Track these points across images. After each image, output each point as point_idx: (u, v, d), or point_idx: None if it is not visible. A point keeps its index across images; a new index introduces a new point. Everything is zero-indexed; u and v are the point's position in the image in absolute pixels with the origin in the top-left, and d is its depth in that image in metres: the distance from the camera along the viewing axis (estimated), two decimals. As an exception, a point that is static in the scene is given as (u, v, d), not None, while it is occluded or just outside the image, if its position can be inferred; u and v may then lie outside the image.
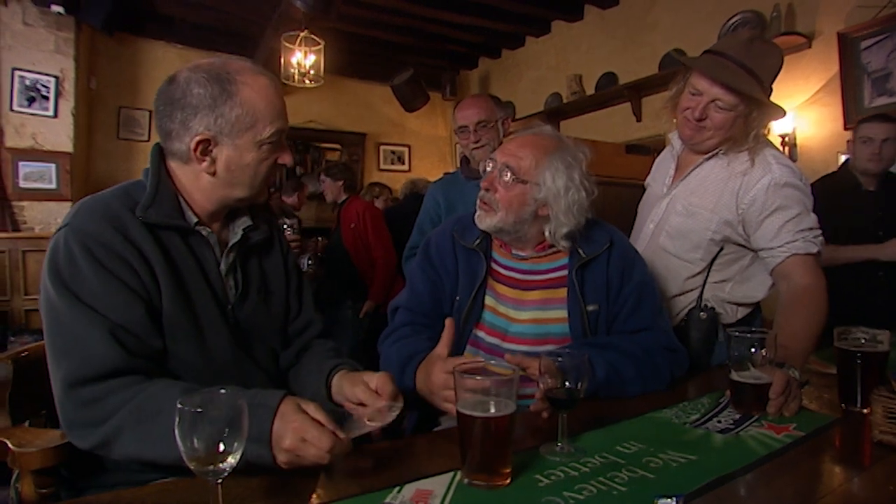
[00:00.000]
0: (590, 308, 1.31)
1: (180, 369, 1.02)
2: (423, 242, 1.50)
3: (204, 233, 1.10)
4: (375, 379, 1.04)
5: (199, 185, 1.09)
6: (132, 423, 0.89)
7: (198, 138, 1.03)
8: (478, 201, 1.35)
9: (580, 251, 1.34)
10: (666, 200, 1.65)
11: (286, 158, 1.12)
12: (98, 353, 0.92)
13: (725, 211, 1.51)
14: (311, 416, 0.86)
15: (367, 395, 1.02)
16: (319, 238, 3.73)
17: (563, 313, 1.33)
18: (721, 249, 1.55)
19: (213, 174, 1.07)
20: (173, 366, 1.02)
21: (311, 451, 0.83)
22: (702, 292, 1.57)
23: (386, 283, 3.46)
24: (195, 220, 1.08)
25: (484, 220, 1.34)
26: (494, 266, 1.40)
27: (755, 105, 1.46)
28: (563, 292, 1.34)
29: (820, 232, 1.47)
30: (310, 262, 2.80)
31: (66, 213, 1.03)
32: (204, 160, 1.05)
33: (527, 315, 1.34)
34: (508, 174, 1.30)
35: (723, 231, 1.52)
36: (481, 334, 1.36)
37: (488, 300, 1.37)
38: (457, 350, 1.34)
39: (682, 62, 1.57)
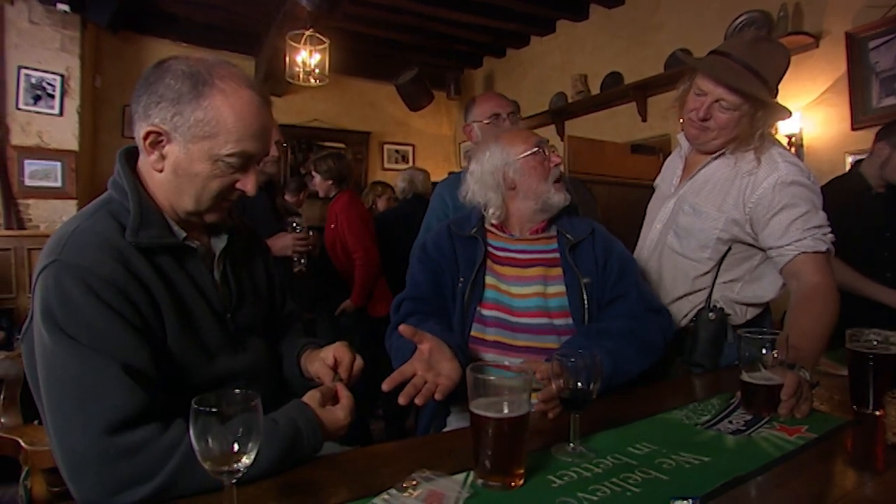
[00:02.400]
0: (585, 280, 1.42)
1: (190, 391, 0.97)
2: (421, 242, 1.58)
3: (193, 245, 1.03)
4: (332, 351, 1.13)
5: (157, 182, 1.00)
6: (191, 467, 0.78)
7: (149, 128, 0.95)
8: (554, 185, 1.48)
9: (567, 235, 1.48)
10: (673, 200, 1.66)
11: (247, 185, 1.02)
12: (119, 397, 0.82)
13: (733, 210, 1.51)
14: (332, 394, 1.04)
15: (324, 370, 1.12)
16: (311, 232, 3.66)
17: (561, 288, 1.44)
18: (729, 249, 1.55)
19: (161, 171, 0.99)
20: (183, 390, 0.94)
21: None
22: (711, 292, 1.56)
23: (367, 285, 3.29)
24: (183, 234, 1.01)
25: (565, 194, 1.50)
26: (491, 250, 1.50)
27: (760, 105, 1.46)
28: (558, 270, 1.46)
29: (829, 230, 1.46)
30: (303, 261, 2.76)
31: (47, 247, 0.91)
32: (152, 153, 0.97)
33: (530, 290, 1.43)
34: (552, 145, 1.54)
35: (730, 230, 1.52)
36: (486, 312, 1.43)
37: (490, 279, 1.46)
38: (463, 329, 1.42)
39: (686, 63, 1.57)
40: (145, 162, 1.01)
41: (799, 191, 1.45)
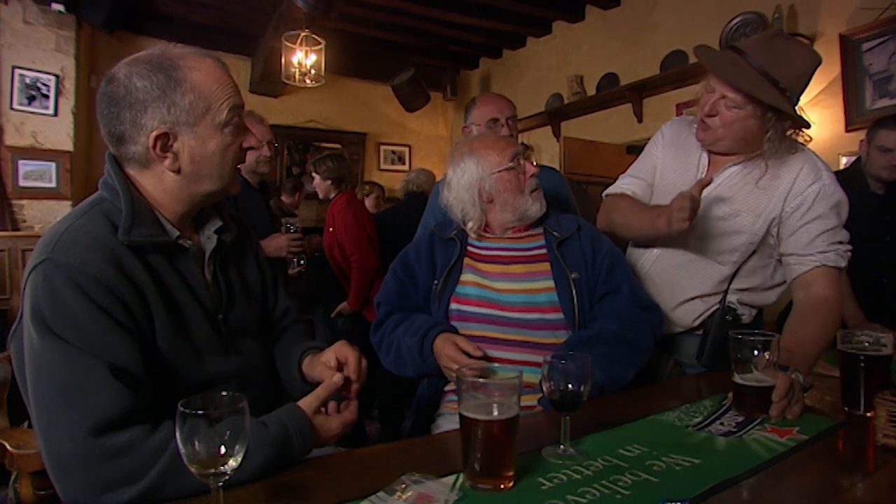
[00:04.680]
0: (573, 276, 1.43)
1: (180, 393, 0.93)
2: (407, 248, 1.60)
3: (186, 245, 1.02)
4: (334, 353, 1.11)
5: (163, 188, 1.00)
6: (178, 470, 0.77)
7: (154, 134, 0.95)
8: (531, 193, 1.49)
9: (554, 233, 1.49)
10: None
11: (251, 140, 1.06)
12: (106, 398, 0.81)
13: (773, 211, 1.47)
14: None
15: (327, 373, 1.09)
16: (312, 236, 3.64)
17: (549, 283, 1.44)
18: (753, 252, 1.52)
19: (178, 171, 0.98)
20: (172, 392, 0.92)
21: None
22: (725, 294, 1.54)
23: (363, 288, 3.27)
24: (177, 233, 1.01)
25: (542, 202, 1.51)
26: (473, 249, 1.52)
27: (767, 107, 1.40)
28: (545, 266, 1.46)
29: (850, 248, 1.45)
30: (302, 262, 2.75)
31: (38, 246, 0.91)
32: (165, 157, 0.97)
33: (515, 286, 1.45)
34: (527, 153, 1.53)
35: (764, 232, 1.48)
36: (466, 308, 1.45)
37: (470, 277, 1.48)
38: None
39: (697, 57, 1.50)
40: (147, 173, 1.00)
41: (836, 204, 1.44)
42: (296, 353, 1.20)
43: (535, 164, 1.52)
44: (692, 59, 4.04)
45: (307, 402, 0.99)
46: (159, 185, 1.00)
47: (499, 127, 2.09)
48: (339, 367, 1.11)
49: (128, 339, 0.87)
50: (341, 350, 1.11)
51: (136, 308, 0.90)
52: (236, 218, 1.20)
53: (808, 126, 1.47)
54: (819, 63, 1.44)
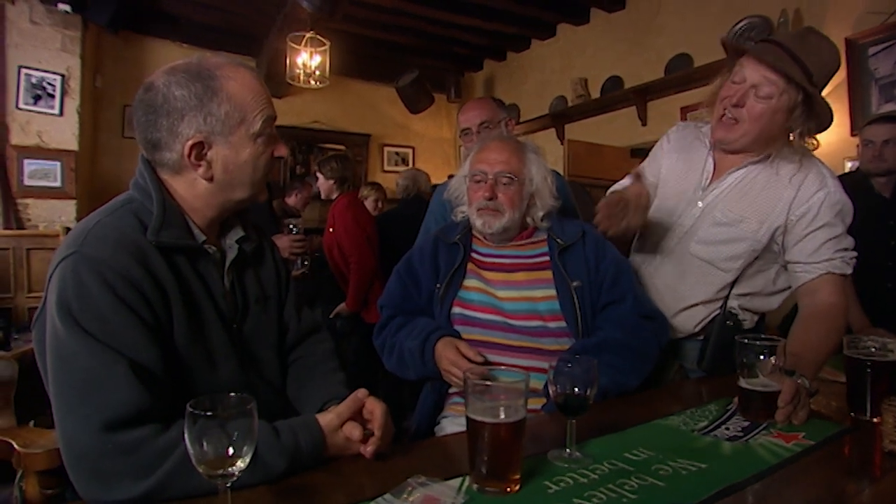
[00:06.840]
0: (574, 284, 1.42)
1: (191, 397, 0.90)
2: (410, 252, 1.62)
3: (210, 251, 1.04)
4: (349, 406, 0.98)
5: (195, 193, 1.02)
6: (186, 470, 0.77)
7: (190, 142, 0.97)
8: (477, 210, 1.49)
9: (558, 240, 1.49)
10: (699, 205, 1.54)
11: (282, 150, 1.07)
12: (123, 395, 0.82)
13: (778, 219, 1.45)
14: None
15: (355, 430, 0.96)
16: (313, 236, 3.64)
17: (551, 292, 1.44)
18: (756, 258, 1.50)
19: (211, 179, 1.01)
20: (183, 394, 0.88)
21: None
22: (726, 300, 1.53)
23: (361, 289, 3.27)
24: (203, 237, 1.02)
25: (493, 225, 1.47)
26: (477, 256, 1.53)
27: (798, 101, 1.38)
28: (548, 274, 1.46)
29: (855, 254, 1.44)
30: (305, 263, 2.75)
31: (67, 239, 0.93)
32: (199, 165, 0.99)
33: (517, 294, 1.45)
34: (506, 179, 1.47)
35: (768, 240, 1.47)
36: (471, 313, 1.45)
37: (475, 283, 1.48)
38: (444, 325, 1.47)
39: (733, 47, 1.45)
40: (179, 179, 1.01)
41: (841, 210, 1.43)
42: (316, 400, 1.11)
43: (505, 183, 1.46)
44: (697, 63, 4.04)
45: (326, 420, 0.95)
46: (191, 190, 1.02)
47: (471, 136, 2.11)
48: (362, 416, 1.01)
49: (149, 337, 0.89)
50: (368, 405, 1.01)
51: (159, 306, 0.92)
52: (258, 228, 1.20)
53: (831, 120, 1.44)
54: (839, 66, 1.42)
